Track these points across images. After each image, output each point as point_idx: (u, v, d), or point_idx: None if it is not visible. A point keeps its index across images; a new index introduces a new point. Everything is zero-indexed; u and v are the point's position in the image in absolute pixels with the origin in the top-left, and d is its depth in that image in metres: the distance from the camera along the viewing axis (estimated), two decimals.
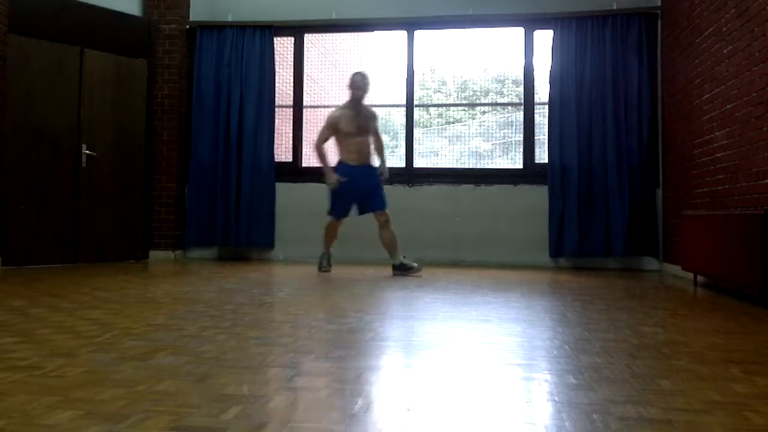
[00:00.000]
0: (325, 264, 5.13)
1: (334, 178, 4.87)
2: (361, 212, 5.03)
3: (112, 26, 5.91)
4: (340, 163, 4.97)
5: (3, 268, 5.09)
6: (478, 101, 11.12)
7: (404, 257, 4.97)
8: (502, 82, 11.04)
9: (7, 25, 5.16)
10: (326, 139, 4.95)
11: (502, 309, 3.19)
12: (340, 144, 4.96)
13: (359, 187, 4.91)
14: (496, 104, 10.35)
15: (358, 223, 6.14)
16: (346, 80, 4.97)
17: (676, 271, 5.22)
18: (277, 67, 6.41)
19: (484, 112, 9.72)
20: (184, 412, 1.47)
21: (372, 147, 5.07)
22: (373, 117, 5.06)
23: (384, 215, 4.94)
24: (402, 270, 4.90)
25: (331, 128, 4.91)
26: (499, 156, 7.74)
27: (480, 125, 8.84)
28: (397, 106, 6.87)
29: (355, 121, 4.90)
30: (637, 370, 1.94)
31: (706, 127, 4.63)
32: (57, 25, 5.52)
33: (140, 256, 6.08)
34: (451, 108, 10.22)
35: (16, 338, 2.31)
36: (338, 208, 4.96)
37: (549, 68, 5.94)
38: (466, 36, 9.58)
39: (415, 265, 4.91)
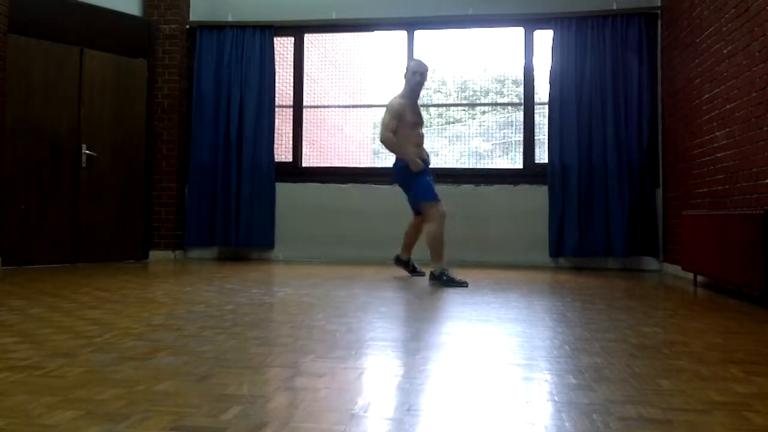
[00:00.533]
0: (452, 273, 4.34)
1: (419, 162, 4.45)
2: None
3: (112, 26, 5.91)
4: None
5: (3, 268, 5.09)
6: (478, 101, 11.13)
7: (417, 266, 4.86)
8: (502, 82, 11.05)
9: (7, 25, 5.16)
10: (394, 129, 4.48)
11: (502, 309, 3.19)
12: (402, 135, 4.51)
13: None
14: (496, 104, 10.35)
15: (358, 223, 6.16)
16: (404, 71, 4.64)
17: (676, 271, 5.22)
18: (277, 67, 6.41)
19: (484, 112, 9.73)
20: (184, 412, 1.47)
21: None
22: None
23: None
24: (403, 265, 4.87)
25: (397, 117, 4.48)
26: (499, 156, 7.75)
27: (480, 125, 8.85)
28: None
29: (416, 111, 4.63)
30: (637, 370, 1.94)
31: (706, 127, 4.63)
32: (57, 25, 5.52)
33: (140, 256, 6.08)
34: (451, 108, 10.22)
35: (16, 338, 2.31)
36: (432, 190, 4.48)
37: (549, 68, 5.94)
38: (466, 36, 9.58)
39: (422, 271, 4.81)
